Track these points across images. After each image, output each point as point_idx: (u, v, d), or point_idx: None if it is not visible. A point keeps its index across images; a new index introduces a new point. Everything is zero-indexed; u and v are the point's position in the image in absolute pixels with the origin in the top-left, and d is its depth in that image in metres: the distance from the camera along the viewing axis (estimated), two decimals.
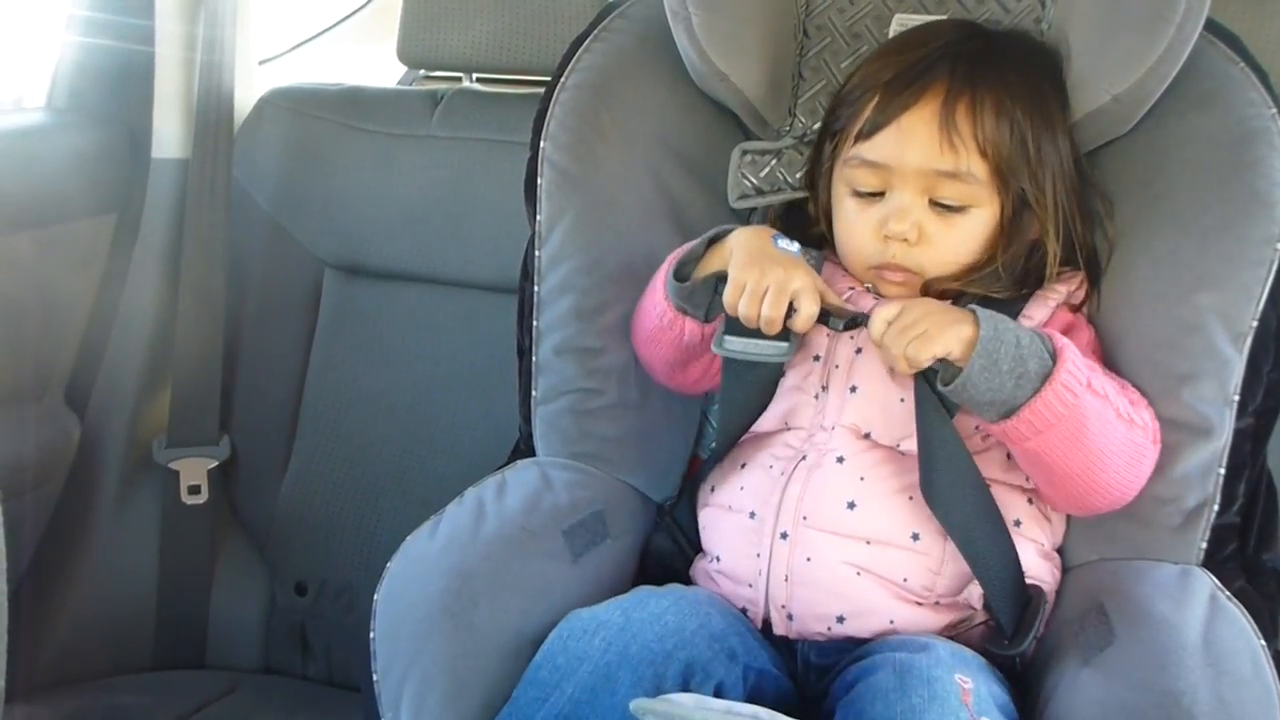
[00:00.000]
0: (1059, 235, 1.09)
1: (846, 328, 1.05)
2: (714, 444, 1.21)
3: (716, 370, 1.12)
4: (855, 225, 1.11)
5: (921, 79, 1.07)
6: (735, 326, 1.05)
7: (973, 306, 0.99)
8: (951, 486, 1.01)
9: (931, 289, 1.10)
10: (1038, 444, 0.98)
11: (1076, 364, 0.98)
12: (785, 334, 1.05)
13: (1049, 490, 1.05)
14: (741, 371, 1.09)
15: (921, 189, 1.08)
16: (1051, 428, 0.97)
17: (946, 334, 0.96)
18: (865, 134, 1.08)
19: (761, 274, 1.02)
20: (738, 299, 1.03)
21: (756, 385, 1.10)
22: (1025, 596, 1.03)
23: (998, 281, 1.09)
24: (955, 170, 1.06)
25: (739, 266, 1.04)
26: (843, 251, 1.15)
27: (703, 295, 1.07)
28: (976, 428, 1.05)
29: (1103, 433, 0.99)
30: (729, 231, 1.08)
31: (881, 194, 1.09)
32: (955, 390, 0.97)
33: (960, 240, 1.09)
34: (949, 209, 1.08)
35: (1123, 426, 1.01)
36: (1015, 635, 1.01)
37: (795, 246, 1.07)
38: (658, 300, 1.10)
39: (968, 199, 1.08)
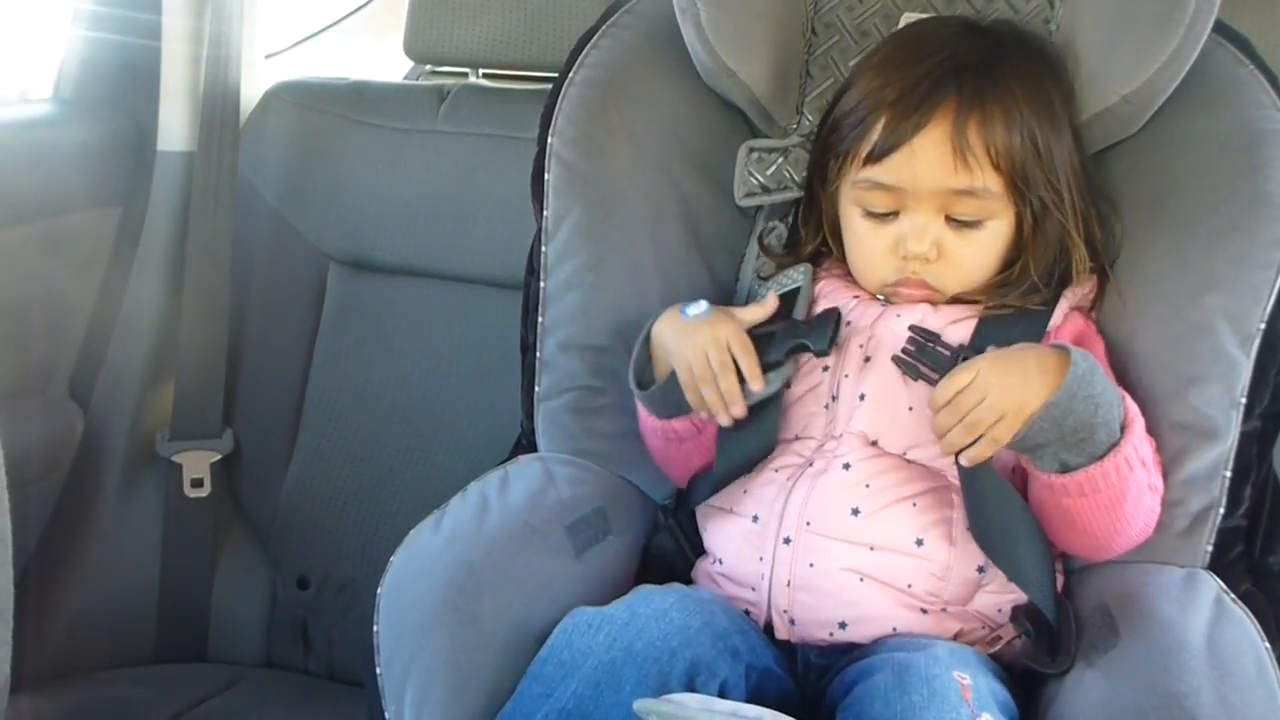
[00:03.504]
0: (1082, 236, 1.09)
1: (831, 345, 1.05)
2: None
3: None
4: (870, 245, 1.11)
5: (930, 98, 1.05)
6: None
7: (1065, 349, 0.97)
8: (1000, 525, 1.01)
9: (955, 302, 1.10)
10: (1075, 504, 0.98)
11: (1140, 440, 0.98)
12: (769, 367, 1.05)
13: (1054, 536, 1.04)
14: (739, 432, 1.07)
15: (937, 207, 1.07)
16: (1099, 494, 0.97)
17: (1021, 416, 0.95)
18: (875, 156, 1.07)
19: (694, 349, 1.04)
20: (694, 391, 1.05)
21: (754, 441, 1.08)
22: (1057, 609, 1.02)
23: (1036, 294, 1.09)
24: (971, 188, 1.06)
25: (672, 357, 1.06)
26: (856, 269, 1.14)
27: (675, 389, 1.07)
28: None
29: (1136, 503, 1.00)
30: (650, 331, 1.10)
31: (894, 213, 1.09)
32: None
33: (978, 253, 1.09)
34: (966, 224, 1.08)
35: (1149, 497, 1.02)
36: (1058, 651, 1.00)
37: (704, 306, 1.08)
38: (648, 425, 1.12)
39: (984, 213, 1.07)
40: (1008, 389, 0.95)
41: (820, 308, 1.14)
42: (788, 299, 1.13)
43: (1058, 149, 1.08)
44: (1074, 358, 0.95)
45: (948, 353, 1.03)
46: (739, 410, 1.04)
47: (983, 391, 0.96)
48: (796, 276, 1.14)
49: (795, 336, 1.07)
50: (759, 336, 1.07)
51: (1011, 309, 1.08)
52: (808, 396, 1.11)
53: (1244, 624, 0.98)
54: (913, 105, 1.05)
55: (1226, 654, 0.95)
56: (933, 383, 1.01)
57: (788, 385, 1.09)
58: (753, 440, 1.08)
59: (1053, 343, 1.01)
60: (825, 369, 1.11)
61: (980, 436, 0.96)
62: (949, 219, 1.08)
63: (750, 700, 0.95)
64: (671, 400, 1.07)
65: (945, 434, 0.98)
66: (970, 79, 1.06)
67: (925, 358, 1.04)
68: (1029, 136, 1.06)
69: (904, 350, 1.05)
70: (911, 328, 1.07)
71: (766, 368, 1.05)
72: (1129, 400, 1.00)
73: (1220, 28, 1.10)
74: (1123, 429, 0.97)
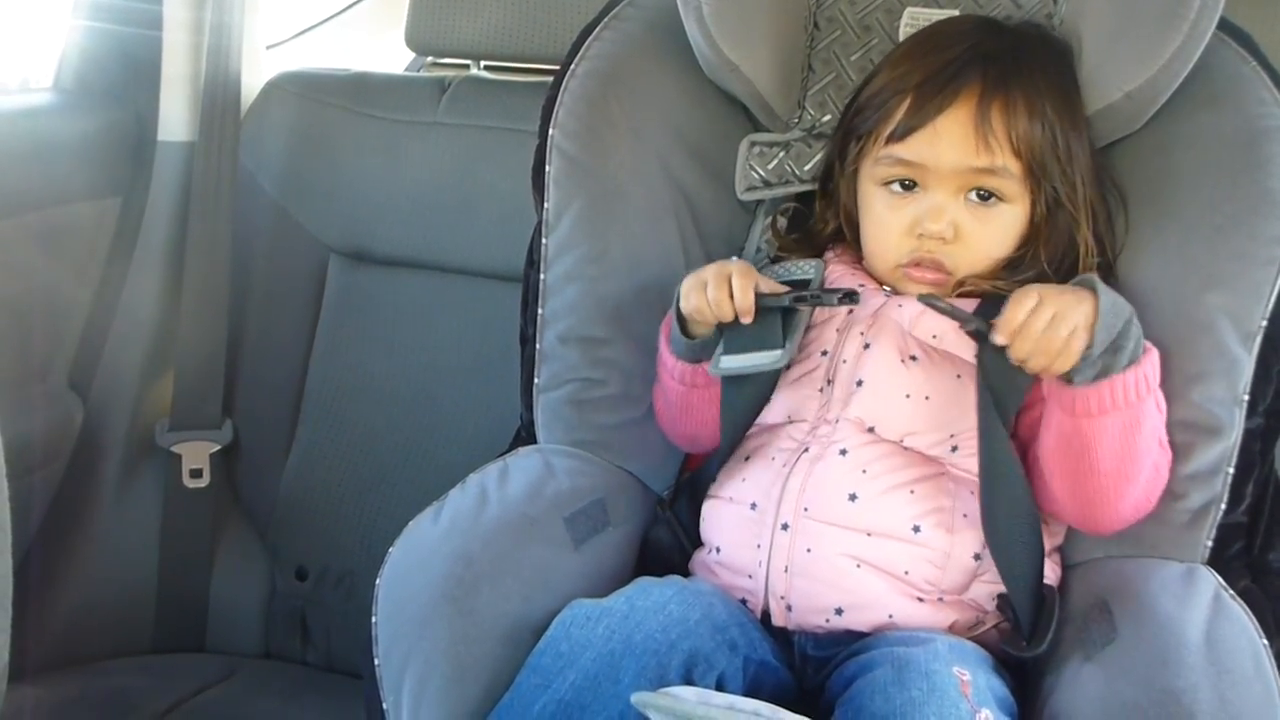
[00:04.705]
0: (1091, 231, 1.10)
1: (841, 302, 1.05)
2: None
3: None
4: (886, 224, 1.11)
5: (955, 82, 1.07)
6: (729, 346, 1.08)
7: (1088, 277, 0.98)
8: (1006, 515, 1.02)
9: (963, 287, 1.10)
10: (1095, 425, 0.97)
11: (1155, 368, 0.99)
12: (774, 343, 1.06)
13: (1066, 487, 1.03)
14: (740, 382, 1.10)
15: (956, 187, 1.08)
16: (1117, 410, 0.97)
17: (1088, 328, 0.95)
18: (898, 136, 1.08)
19: (699, 273, 1.07)
20: (689, 309, 1.07)
21: (752, 389, 1.10)
22: (1042, 599, 1.03)
23: (1045, 281, 1.08)
24: (991, 167, 1.07)
25: (682, 285, 1.09)
26: (870, 249, 1.15)
27: (711, 341, 1.10)
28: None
29: (1148, 444, 1.00)
30: None
31: (913, 188, 1.10)
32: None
33: (993, 236, 1.09)
34: (983, 202, 1.08)
35: (1158, 449, 1.03)
36: (1033, 637, 1.01)
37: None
38: (672, 370, 1.13)
39: (1002, 193, 1.08)
40: (1069, 305, 0.96)
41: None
42: (797, 288, 1.13)
43: (1075, 144, 1.09)
44: (1091, 278, 0.98)
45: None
46: (725, 316, 1.06)
47: (1053, 308, 0.96)
48: (808, 269, 1.14)
49: (807, 299, 1.08)
50: (770, 306, 1.07)
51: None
52: (804, 379, 1.11)
53: (1242, 620, 0.98)
54: (937, 88, 1.07)
55: (1224, 650, 0.95)
56: (959, 319, 1.02)
57: (789, 366, 1.10)
58: (749, 388, 1.10)
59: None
60: (824, 353, 1.11)
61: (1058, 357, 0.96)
62: (967, 199, 1.08)
63: (747, 693, 0.95)
64: (710, 346, 1.10)
65: (1024, 360, 0.97)
66: (995, 67, 1.07)
67: (950, 309, 1.03)
68: (1049, 128, 1.07)
69: (929, 296, 1.04)
70: (920, 296, 1.06)
71: (786, 313, 1.07)
72: (1146, 341, 1.01)
73: (1222, 24, 1.10)
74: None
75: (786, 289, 1.09)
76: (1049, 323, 0.95)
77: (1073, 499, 1.03)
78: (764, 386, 1.10)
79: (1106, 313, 0.95)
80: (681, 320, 1.11)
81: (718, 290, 1.05)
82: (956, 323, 1.03)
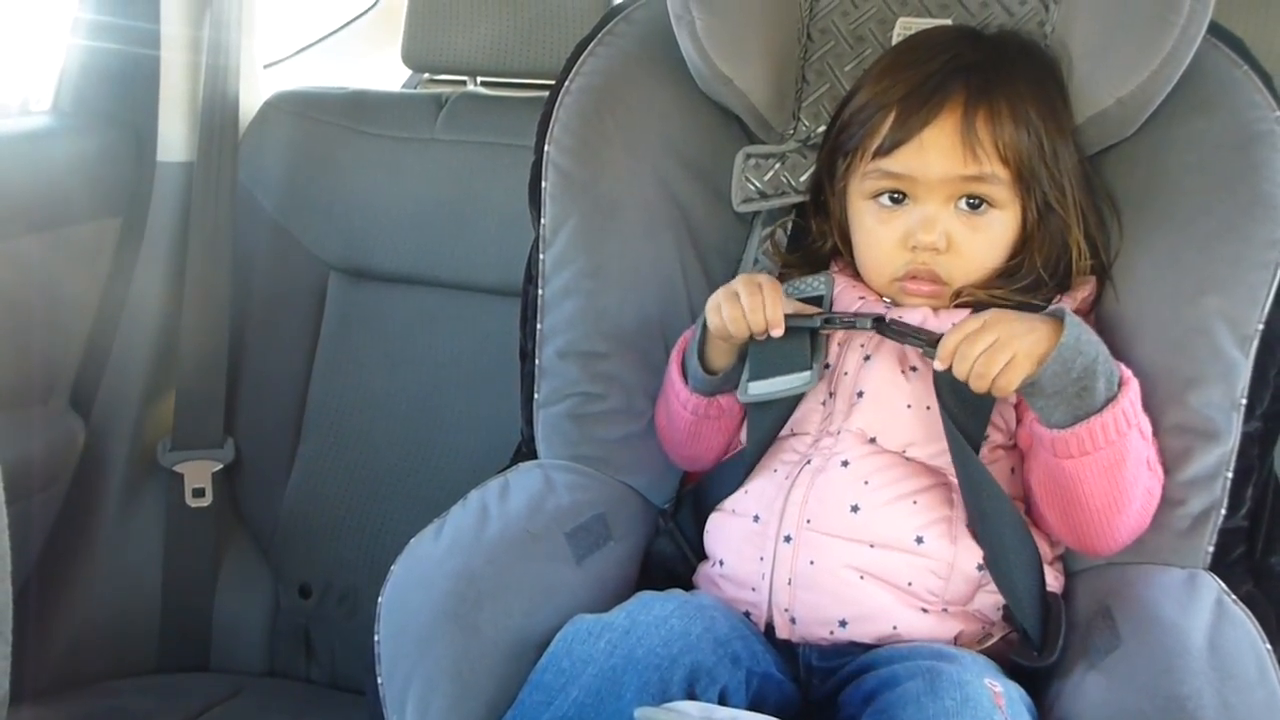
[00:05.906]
0: (1083, 234, 1.10)
1: (874, 326, 1.06)
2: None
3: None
4: (879, 238, 1.11)
5: (938, 94, 1.07)
6: (755, 371, 1.08)
7: (1061, 309, 0.99)
8: (994, 524, 1.02)
9: (961, 297, 1.10)
10: (1077, 465, 0.98)
11: (1135, 400, 0.99)
12: (802, 365, 1.06)
13: (1058, 519, 1.04)
14: (766, 407, 1.10)
15: (946, 197, 1.08)
16: (1098, 451, 0.97)
17: (1030, 357, 0.96)
18: (885, 150, 1.08)
19: (725, 287, 1.07)
20: (719, 321, 1.06)
21: (779, 406, 1.10)
22: (1047, 607, 1.03)
23: (1041, 289, 1.09)
24: (980, 174, 1.07)
25: (709, 302, 1.08)
26: (864, 263, 1.15)
27: (734, 372, 1.10)
28: (987, 437, 1.05)
29: (1135, 475, 1.00)
30: None
31: (902, 200, 1.10)
32: (1023, 387, 0.97)
33: (986, 245, 1.09)
34: (974, 210, 1.08)
35: (1148, 474, 1.02)
36: (1044, 647, 1.01)
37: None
38: (685, 402, 1.12)
39: (992, 199, 1.08)
40: (1016, 334, 0.96)
41: (836, 309, 1.14)
42: (810, 304, 1.13)
43: (1062, 148, 1.09)
44: (1064, 311, 0.98)
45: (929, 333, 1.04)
46: (758, 326, 1.05)
47: (993, 334, 0.96)
48: (818, 285, 1.15)
49: (836, 322, 1.08)
50: (798, 327, 1.07)
51: (1014, 303, 1.08)
52: (806, 391, 1.11)
53: (1245, 625, 0.98)
54: (921, 100, 1.07)
55: (1228, 655, 0.95)
56: (918, 344, 1.03)
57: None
58: (776, 406, 1.09)
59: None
60: (826, 365, 1.11)
61: (995, 380, 0.96)
62: (957, 208, 1.08)
63: (751, 706, 0.96)
64: (730, 377, 1.10)
65: (965, 380, 0.98)
66: (978, 76, 1.07)
67: (909, 332, 1.05)
68: (1035, 134, 1.08)
69: (891, 321, 1.06)
70: (892, 320, 1.06)
71: (812, 336, 1.08)
72: (1124, 368, 1.00)
73: (1214, 29, 1.10)
74: (1119, 389, 0.98)
75: (815, 309, 1.09)
76: (989, 347, 0.96)
77: (1066, 529, 1.04)
78: (790, 402, 1.10)
79: (1066, 347, 0.95)
80: (702, 352, 1.10)
81: (751, 298, 1.05)
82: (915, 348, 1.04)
